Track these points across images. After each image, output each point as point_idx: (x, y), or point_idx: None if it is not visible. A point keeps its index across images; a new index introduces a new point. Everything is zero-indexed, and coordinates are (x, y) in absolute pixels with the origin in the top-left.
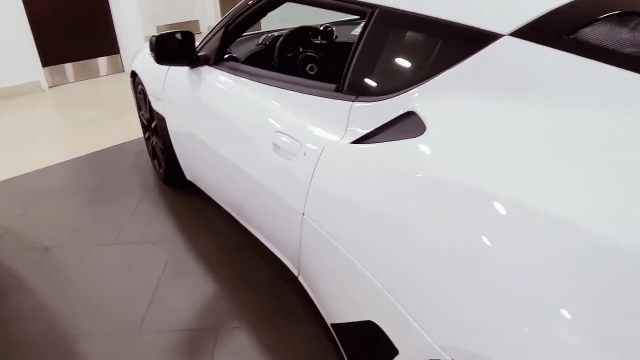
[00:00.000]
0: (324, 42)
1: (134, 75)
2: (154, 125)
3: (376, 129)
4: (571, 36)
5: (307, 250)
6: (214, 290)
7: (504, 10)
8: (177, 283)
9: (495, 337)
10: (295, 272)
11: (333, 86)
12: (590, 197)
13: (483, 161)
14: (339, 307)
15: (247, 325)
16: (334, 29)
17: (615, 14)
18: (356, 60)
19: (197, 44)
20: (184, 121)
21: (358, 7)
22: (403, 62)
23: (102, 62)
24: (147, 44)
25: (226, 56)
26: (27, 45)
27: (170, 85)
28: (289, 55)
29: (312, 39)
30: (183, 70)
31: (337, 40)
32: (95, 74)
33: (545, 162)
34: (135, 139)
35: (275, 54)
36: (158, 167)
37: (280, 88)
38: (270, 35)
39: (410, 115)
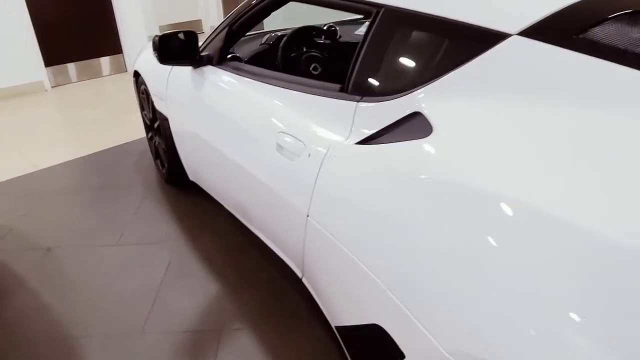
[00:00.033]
0: (327, 41)
1: (136, 75)
2: (157, 125)
3: (382, 130)
4: (581, 35)
5: (311, 252)
6: (216, 291)
7: (512, 9)
8: (180, 284)
9: (504, 343)
10: (299, 274)
11: (337, 86)
12: (601, 200)
13: (491, 163)
14: (343, 310)
15: (250, 326)
16: (337, 28)
17: (626, 12)
18: (361, 60)
19: (200, 43)
20: (187, 121)
21: (363, 6)
22: (409, 62)
23: (105, 62)
24: (150, 44)
25: (229, 56)
26: (30, 45)
27: (173, 85)
28: (293, 55)
29: (315, 39)
30: (186, 70)
31: (340, 40)
32: (98, 73)
33: (555, 164)
34: (138, 139)
35: (279, 53)
36: (161, 167)
37: (284, 88)
38: (273, 35)
39: (416, 115)
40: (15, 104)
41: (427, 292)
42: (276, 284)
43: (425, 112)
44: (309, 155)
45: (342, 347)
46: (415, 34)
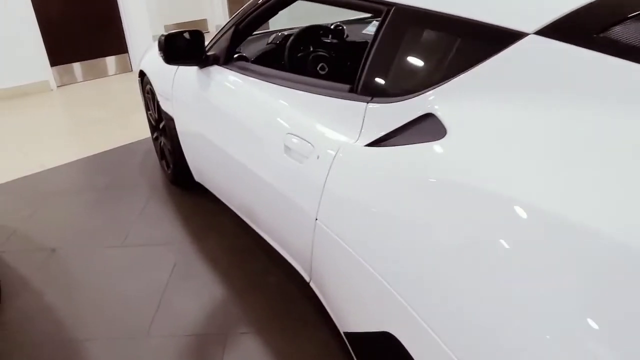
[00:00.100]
0: (334, 41)
1: (142, 75)
2: (162, 126)
3: (393, 131)
4: (601, 35)
5: (319, 256)
6: (222, 293)
7: (528, 7)
8: (185, 286)
9: (519, 350)
10: (307, 278)
11: (347, 86)
12: (625, 206)
13: (508, 167)
14: (353, 316)
15: (256, 330)
16: (344, 27)
17: None
18: (371, 59)
19: (205, 43)
20: (193, 121)
21: (373, 5)
22: (421, 62)
23: (111, 61)
24: (156, 44)
25: (236, 56)
26: (36, 45)
27: (179, 85)
28: (300, 54)
29: (322, 38)
30: (192, 70)
31: (348, 39)
32: (103, 73)
33: (574, 168)
34: (144, 139)
35: (286, 53)
36: (166, 168)
37: (291, 88)
38: (280, 34)
39: (428, 117)
40: (21, 103)
41: (441, 300)
42: (283, 287)
43: (438, 113)
44: (318, 157)
45: (350, 353)
46: (427, 33)
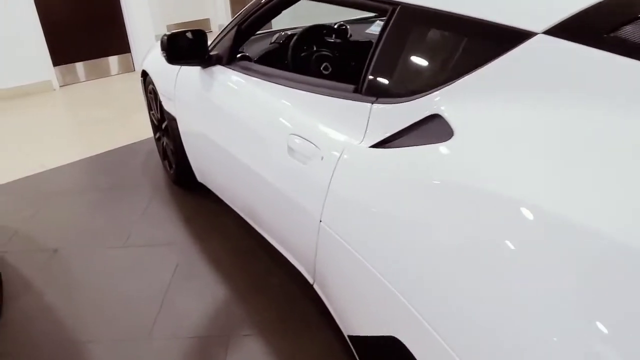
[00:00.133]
0: (338, 40)
1: (144, 74)
2: (165, 126)
3: (398, 132)
4: (612, 34)
5: (323, 259)
6: (225, 295)
7: (537, 6)
8: (187, 287)
9: (528, 357)
10: (310, 280)
11: (351, 87)
12: (636, 210)
13: (517, 169)
14: (358, 319)
15: (259, 332)
16: (348, 27)
17: None
18: (376, 59)
19: (208, 43)
20: (196, 122)
21: (378, 4)
22: (427, 62)
23: (113, 61)
24: (158, 43)
25: (239, 55)
26: (38, 45)
27: (181, 85)
28: (303, 54)
29: (326, 38)
30: (195, 70)
31: (351, 39)
32: (106, 73)
33: (586, 170)
34: (146, 139)
35: (289, 53)
36: (169, 168)
37: (295, 88)
38: (283, 34)
39: (435, 118)
40: (24, 103)
41: (447, 304)
42: (286, 289)
43: (445, 114)
44: (322, 159)
45: (354, 356)
46: (434, 33)
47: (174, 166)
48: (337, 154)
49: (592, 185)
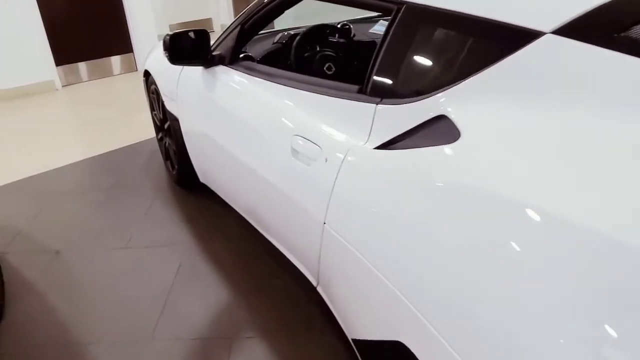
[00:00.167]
0: (341, 40)
1: (147, 74)
2: (167, 126)
3: (403, 134)
4: (623, 34)
5: (327, 261)
6: (227, 296)
7: (545, 5)
8: (190, 288)
9: None
10: (314, 282)
11: (355, 87)
12: None
13: (526, 171)
14: (362, 323)
15: (262, 335)
16: (351, 26)
17: None
18: (381, 59)
19: (210, 42)
20: (198, 122)
21: (383, 3)
22: (433, 62)
23: (116, 61)
24: (161, 43)
25: (241, 55)
26: (41, 45)
27: (184, 85)
28: (306, 54)
29: (329, 38)
30: (197, 70)
31: (355, 38)
32: (108, 72)
33: (596, 173)
34: (149, 139)
35: (292, 53)
36: (171, 169)
37: (298, 89)
38: (286, 33)
39: (441, 119)
40: (26, 103)
41: (455, 309)
42: (289, 291)
43: (452, 115)
44: (326, 160)
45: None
46: (440, 32)
47: (176, 167)
48: (342, 156)
49: (606, 188)
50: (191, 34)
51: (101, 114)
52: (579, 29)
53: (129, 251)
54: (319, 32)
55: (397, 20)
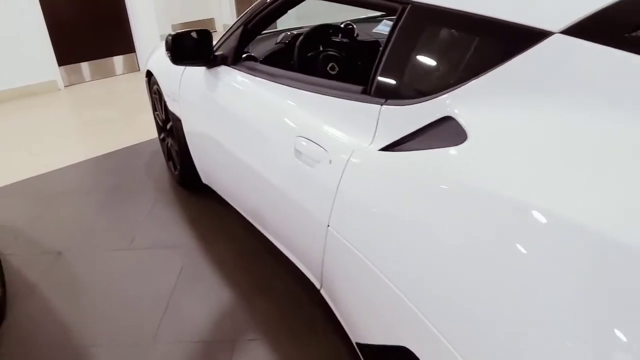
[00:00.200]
0: (345, 40)
1: (149, 75)
2: (170, 126)
3: (408, 135)
4: (634, 33)
5: (331, 264)
6: (230, 298)
7: (553, 5)
8: (192, 290)
9: None
10: (317, 285)
11: (360, 88)
12: None
13: (535, 174)
14: (367, 327)
15: (264, 337)
16: (355, 26)
17: None
18: (386, 60)
19: (213, 42)
20: (200, 123)
21: (388, 2)
22: (439, 62)
23: (118, 61)
24: (163, 43)
25: (244, 56)
26: (43, 45)
27: (186, 86)
28: (310, 54)
29: (332, 37)
30: (200, 70)
31: (358, 38)
32: (111, 72)
33: (609, 178)
34: (151, 139)
35: (295, 53)
36: (173, 169)
37: (301, 89)
38: (289, 33)
39: (447, 120)
40: (29, 103)
41: (462, 314)
42: (292, 293)
43: (458, 116)
44: (330, 162)
45: None
46: (446, 32)
47: (178, 167)
48: (346, 157)
49: (618, 192)
50: (193, 34)
51: (103, 114)
52: (588, 29)
53: (131, 252)
54: (322, 32)
55: (402, 20)
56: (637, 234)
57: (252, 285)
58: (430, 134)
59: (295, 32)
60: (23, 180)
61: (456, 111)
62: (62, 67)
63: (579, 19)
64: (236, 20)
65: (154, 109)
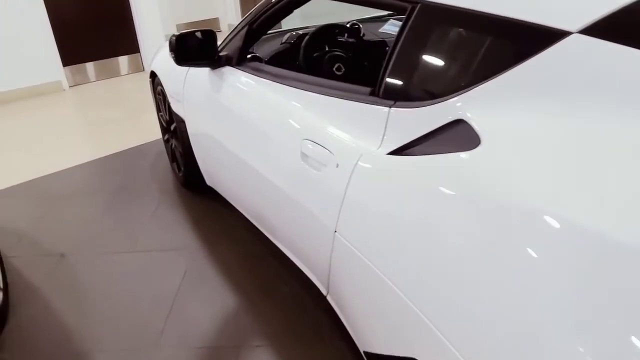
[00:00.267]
0: (351, 40)
1: (153, 75)
2: (174, 128)
3: (418, 139)
4: None
5: (338, 270)
6: (235, 302)
7: (572, 3)
8: (196, 294)
9: None
10: (324, 291)
11: (367, 89)
12: None
13: (553, 181)
14: (375, 336)
15: (270, 344)
16: (361, 26)
17: None
18: (395, 61)
19: (218, 42)
20: (205, 124)
21: (397, 2)
22: (450, 64)
23: (123, 61)
24: (167, 44)
25: (249, 56)
26: (48, 45)
27: (190, 86)
28: (315, 54)
29: (338, 37)
30: (204, 71)
31: (364, 38)
32: (116, 73)
33: (633, 187)
34: (156, 140)
35: (301, 53)
36: (177, 171)
37: (308, 91)
38: (295, 33)
39: (459, 123)
40: (33, 103)
41: (475, 325)
42: (297, 298)
43: (471, 120)
44: (337, 166)
45: None
46: (457, 32)
47: (182, 169)
48: (353, 161)
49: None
50: (198, 35)
51: (108, 114)
52: (608, 28)
53: (134, 255)
54: (328, 32)
55: (411, 20)
56: None
57: (257, 289)
58: (441, 137)
59: (300, 32)
60: (27, 182)
61: (469, 114)
62: (66, 68)
63: (599, 18)
64: (241, 20)
65: (158, 110)
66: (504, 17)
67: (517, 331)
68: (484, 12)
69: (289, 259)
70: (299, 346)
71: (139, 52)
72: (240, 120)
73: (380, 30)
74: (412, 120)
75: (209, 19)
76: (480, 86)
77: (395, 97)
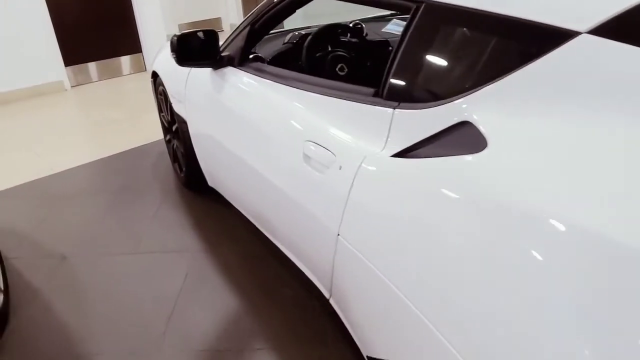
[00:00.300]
0: (354, 40)
1: (154, 75)
2: (175, 128)
3: (423, 141)
4: None
5: (341, 274)
6: (236, 304)
7: (580, 3)
8: (198, 296)
9: None
10: (327, 294)
11: (371, 90)
12: None
13: (561, 185)
14: (379, 341)
15: (272, 347)
16: (364, 26)
17: None
18: (399, 61)
19: (220, 42)
20: (206, 125)
21: (401, 2)
22: (456, 64)
23: (125, 61)
24: (169, 44)
25: (251, 56)
26: (50, 45)
27: (192, 87)
28: (318, 55)
29: (341, 37)
30: (206, 71)
31: (367, 38)
32: (118, 73)
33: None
34: (158, 140)
35: (303, 53)
36: (179, 171)
37: (310, 91)
38: (297, 33)
39: (465, 125)
40: (35, 104)
41: (481, 333)
42: (300, 300)
43: (477, 121)
44: (340, 168)
45: None
46: (463, 32)
47: (184, 169)
48: (357, 163)
49: None
50: (199, 35)
51: (110, 114)
52: (617, 29)
53: (135, 256)
54: (331, 32)
55: (416, 20)
56: None
57: (258, 290)
58: (446, 140)
59: (303, 32)
60: (29, 182)
61: (475, 116)
62: (68, 68)
63: (608, 18)
64: (243, 20)
65: (160, 110)
66: (511, 16)
67: (520, 335)
68: (491, 12)
69: (290, 260)
70: (300, 349)
71: (141, 52)
72: (242, 121)
73: (383, 30)
74: (417, 122)
75: (211, 19)
76: (486, 87)
77: (399, 98)
